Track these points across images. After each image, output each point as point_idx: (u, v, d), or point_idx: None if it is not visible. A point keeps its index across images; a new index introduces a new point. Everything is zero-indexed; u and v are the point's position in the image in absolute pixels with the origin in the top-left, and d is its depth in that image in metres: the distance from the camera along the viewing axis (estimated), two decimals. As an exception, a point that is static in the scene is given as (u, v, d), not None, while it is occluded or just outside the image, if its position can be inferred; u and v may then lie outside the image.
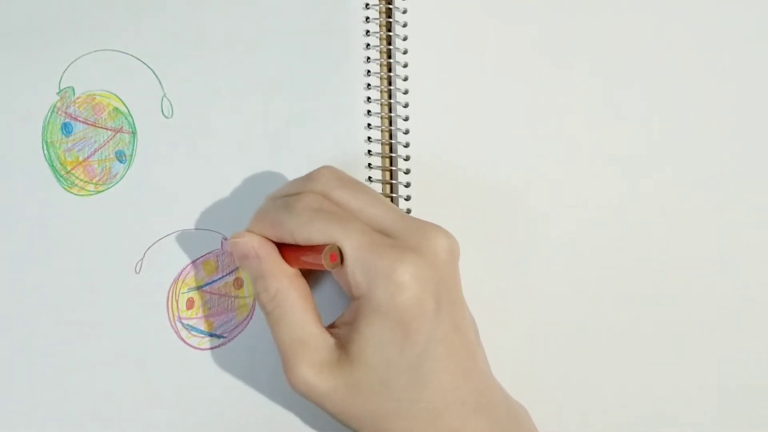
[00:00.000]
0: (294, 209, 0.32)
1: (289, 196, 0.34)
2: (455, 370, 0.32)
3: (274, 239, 0.34)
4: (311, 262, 0.32)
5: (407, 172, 0.41)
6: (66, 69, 0.41)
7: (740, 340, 0.41)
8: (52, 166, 0.40)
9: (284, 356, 0.32)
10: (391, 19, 0.42)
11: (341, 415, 0.32)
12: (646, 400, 0.40)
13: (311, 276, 0.37)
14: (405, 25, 0.42)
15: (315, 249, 0.32)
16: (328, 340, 0.32)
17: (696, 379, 0.40)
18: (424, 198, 0.41)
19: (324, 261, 0.31)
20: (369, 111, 0.41)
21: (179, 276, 0.39)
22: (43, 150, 0.40)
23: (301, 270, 0.34)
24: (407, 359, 0.31)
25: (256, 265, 0.33)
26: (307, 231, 0.32)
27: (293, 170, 0.40)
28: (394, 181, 0.41)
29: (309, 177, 0.34)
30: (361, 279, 0.31)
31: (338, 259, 0.31)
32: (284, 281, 0.33)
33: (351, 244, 0.31)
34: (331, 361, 0.32)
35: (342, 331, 0.32)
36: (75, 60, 0.41)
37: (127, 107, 0.41)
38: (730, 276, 0.41)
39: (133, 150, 0.40)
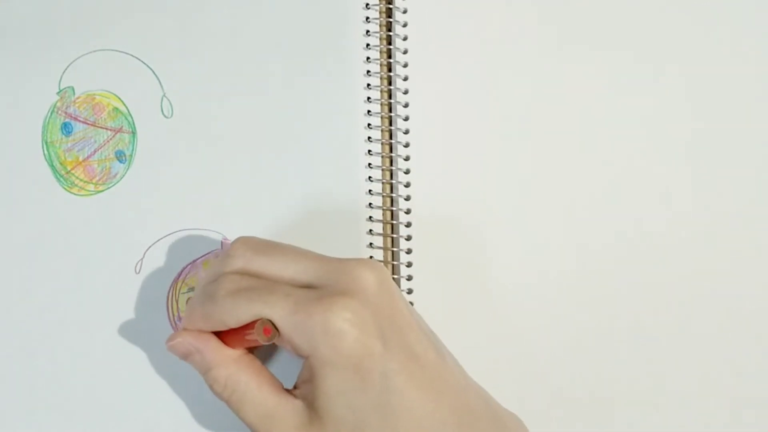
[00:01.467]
0: (216, 298, 0.32)
1: (209, 283, 0.34)
2: (424, 396, 0.31)
3: (210, 330, 0.34)
4: (252, 340, 0.32)
5: (407, 172, 0.41)
6: (66, 69, 0.41)
7: (741, 343, 0.41)
8: (52, 166, 0.40)
9: None
10: (391, 19, 0.42)
11: None
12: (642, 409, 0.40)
13: (266, 347, 0.37)
14: (405, 25, 0.42)
15: (250, 326, 0.32)
16: (294, 405, 0.32)
17: (698, 386, 0.40)
18: (424, 198, 0.41)
19: (259, 337, 0.31)
20: (369, 111, 0.41)
21: (179, 276, 0.39)
22: (43, 150, 0.40)
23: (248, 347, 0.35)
24: (370, 400, 0.31)
25: (200, 359, 0.34)
26: (234, 315, 0.32)
27: (293, 170, 0.40)
28: (393, 182, 0.41)
29: (225, 255, 0.34)
30: (300, 342, 0.31)
31: (272, 332, 0.31)
32: (231, 366, 0.33)
33: (278, 314, 0.31)
34: (303, 423, 0.32)
35: (304, 390, 0.32)
36: (75, 60, 0.41)
37: (126, 107, 0.41)
38: (726, 280, 0.42)
39: (132, 150, 0.40)
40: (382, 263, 0.38)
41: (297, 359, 0.33)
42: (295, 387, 0.34)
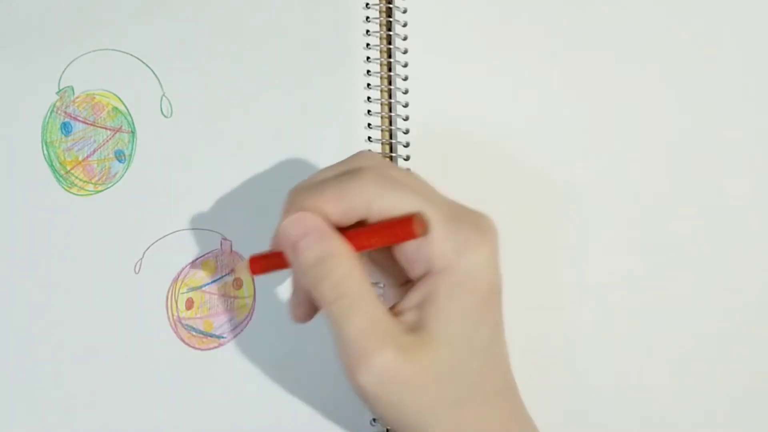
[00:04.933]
0: (364, 178, 0.29)
1: (342, 174, 0.30)
2: (505, 356, 0.31)
3: (337, 216, 0.29)
4: (384, 238, 0.29)
5: (407, 172, 0.41)
6: (65, 69, 0.41)
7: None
8: (51, 165, 0.40)
9: (360, 345, 0.28)
10: (391, 19, 0.42)
11: (412, 408, 0.29)
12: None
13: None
14: (405, 25, 0.42)
15: (392, 222, 0.29)
16: (403, 324, 0.29)
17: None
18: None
19: (416, 228, 0.28)
20: (369, 111, 0.41)
21: (179, 276, 0.39)
22: (43, 150, 0.40)
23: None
24: (481, 339, 0.29)
25: (318, 245, 0.29)
26: (387, 198, 0.29)
27: (293, 170, 0.40)
28: (393, 181, 0.41)
29: (354, 158, 0.31)
30: (448, 249, 0.29)
31: (425, 227, 0.29)
32: (353, 261, 0.29)
33: (438, 214, 0.29)
34: (413, 342, 0.29)
35: (411, 315, 0.30)
36: (74, 59, 0.41)
37: (126, 107, 0.41)
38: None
39: (132, 149, 0.40)
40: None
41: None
42: (395, 313, 0.30)
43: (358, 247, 0.30)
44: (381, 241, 0.30)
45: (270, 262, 0.32)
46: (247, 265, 0.31)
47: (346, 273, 0.29)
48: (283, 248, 0.30)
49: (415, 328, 0.29)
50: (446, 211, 0.29)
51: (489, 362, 0.30)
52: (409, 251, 0.30)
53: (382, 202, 0.29)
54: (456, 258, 0.29)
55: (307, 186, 0.31)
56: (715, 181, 0.42)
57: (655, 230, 0.42)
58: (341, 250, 0.29)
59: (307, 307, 0.32)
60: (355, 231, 0.30)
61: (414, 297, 0.30)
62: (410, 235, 0.29)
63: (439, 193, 0.31)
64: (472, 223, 0.30)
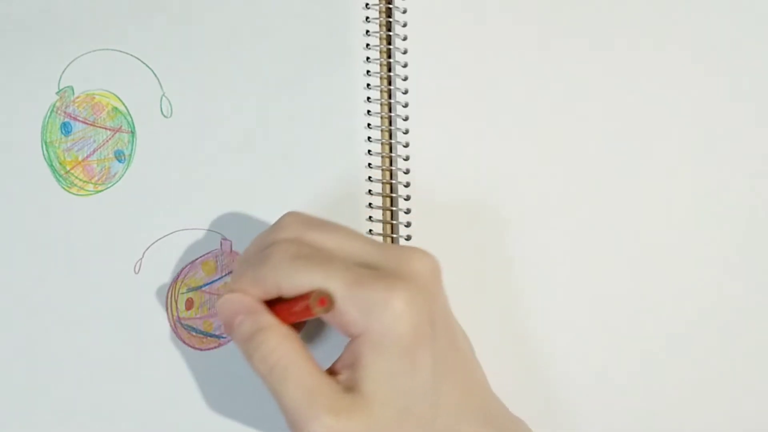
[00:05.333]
0: (271, 261, 0.31)
1: (262, 250, 0.32)
2: (461, 386, 0.32)
3: (259, 297, 0.32)
4: (301, 312, 0.31)
5: (407, 172, 0.41)
6: (65, 68, 0.41)
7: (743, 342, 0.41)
8: (51, 165, 0.40)
9: (297, 413, 0.30)
10: (391, 19, 0.42)
11: None
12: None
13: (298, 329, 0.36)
14: (405, 25, 0.42)
15: (302, 298, 0.31)
16: (337, 386, 0.31)
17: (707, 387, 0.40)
18: (424, 198, 0.41)
19: (313, 308, 0.30)
20: (369, 111, 0.41)
21: (178, 276, 0.39)
22: (43, 150, 0.40)
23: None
24: (419, 385, 0.31)
25: (248, 323, 0.32)
26: (291, 280, 0.31)
27: (292, 170, 0.40)
28: (393, 182, 0.41)
29: (276, 227, 0.33)
30: (356, 317, 0.30)
31: (328, 303, 0.30)
32: (280, 333, 0.31)
33: (339, 284, 0.30)
34: (348, 405, 0.30)
35: (345, 375, 0.31)
36: (74, 59, 0.41)
37: (126, 107, 0.41)
38: (736, 278, 0.42)
39: (132, 150, 0.40)
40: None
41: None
42: (332, 372, 0.32)
43: (284, 321, 0.32)
44: (295, 317, 0.32)
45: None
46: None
47: (275, 346, 0.31)
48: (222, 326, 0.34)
49: (350, 388, 0.31)
50: (350, 278, 0.30)
51: (437, 400, 0.31)
52: (328, 319, 0.31)
53: (290, 283, 0.31)
54: (365, 322, 0.30)
55: (235, 268, 0.34)
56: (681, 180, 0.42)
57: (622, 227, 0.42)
58: (269, 324, 0.31)
59: None
60: (279, 305, 0.32)
61: (346, 356, 0.32)
62: (310, 314, 0.30)
63: (354, 250, 0.32)
64: (381, 278, 0.30)
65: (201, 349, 0.39)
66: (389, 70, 0.42)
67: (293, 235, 0.32)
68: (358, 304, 0.30)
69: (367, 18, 0.42)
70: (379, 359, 0.30)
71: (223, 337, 0.39)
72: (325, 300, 0.30)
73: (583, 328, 0.40)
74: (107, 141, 0.40)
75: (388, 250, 0.32)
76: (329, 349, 0.36)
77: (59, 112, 0.40)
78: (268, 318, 0.32)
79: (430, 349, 0.31)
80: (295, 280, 0.31)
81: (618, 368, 0.40)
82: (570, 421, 0.40)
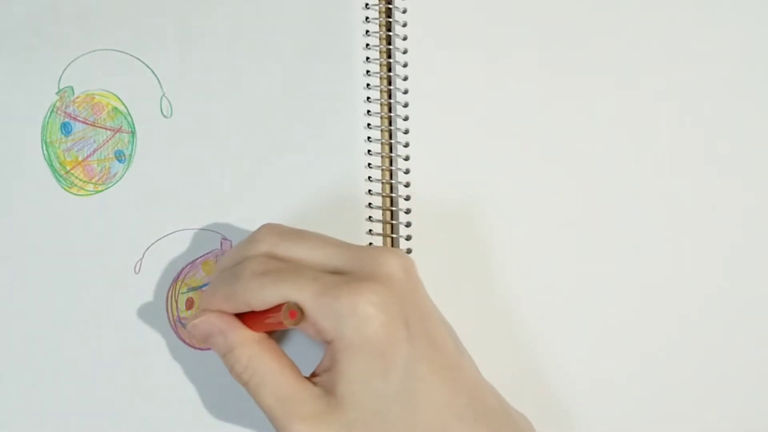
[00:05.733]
0: (241, 278, 0.32)
1: (235, 265, 0.34)
2: (443, 385, 0.32)
3: (232, 312, 0.34)
4: (275, 323, 0.32)
5: (407, 171, 0.41)
6: (65, 68, 0.41)
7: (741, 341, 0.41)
8: (51, 165, 0.40)
9: (273, 419, 0.32)
10: (391, 19, 0.42)
11: None
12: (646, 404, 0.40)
13: (279, 333, 0.37)
14: (405, 25, 0.42)
15: (275, 310, 0.32)
16: (313, 391, 0.32)
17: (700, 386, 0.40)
18: (424, 198, 0.41)
19: (284, 320, 0.31)
20: (369, 111, 0.41)
21: (178, 276, 0.39)
22: (43, 150, 0.40)
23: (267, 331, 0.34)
24: (393, 386, 0.31)
25: (222, 340, 0.33)
26: (260, 296, 0.32)
27: (292, 170, 0.40)
28: (393, 182, 0.41)
29: (250, 240, 0.34)
30: (326, 325, 0.31)
31: (298, 315, 0.31)
32: (254, 347, 0.33)
33: (305, 296, 0.31)
34: (321, 410, 0.31)
35: (324, 378, 0.32)
36: (74, 59, 0.41)
37: (126, 107, 0.41)
38: (731, 278, 0.42)
39: (132, 150, 0.40)
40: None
41: (313, 347, 0.33)
42: (313, 375, 0.33)
43: (258, 330, 0.33)
44: (269, 327, 0.33)
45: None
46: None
47: (248, 360, 0.32)
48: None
49: (328, 391, 0.32)
50: (317, 288, 0.31)
51: (413, 402, 0.31)
52: (302, 329, 0.32)
53: (259, 300, 0.32)
54: (335, 331, 0.31)
55: (211, 283, 0.35)
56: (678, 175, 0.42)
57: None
58: (241, 340, 0.33)
59: None
60: (252, 316, 0.33)
61: (325, 360, 0.33)
62: (282, 326, 0.31)
63: (324, 258, 0.33)
64: (348, 283, 0.31)
65: (201, 349, 0.39)
66: (389, 70, 0.42)
67: (266, 249, 0.33)
68: (326, 312, 0.31)
69: (367, 18, 0.42)
70: (353, 362, 0.31)
71: (223, 337, 0.39)
72: (295, 312, 0.31)
73: (584, 328, 0.40)
74: (107, 141, 0.40)
75: (358, 253, 0.33)
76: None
77: (59, 112, 0.40)
78: (240, 334, 0.33)
79: (406, 350, 0.31)
80: (264, 296, 0.32)
81: (618, 368, 0.40)
82: (569, 421, 0.40)
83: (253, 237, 0.34)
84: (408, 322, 0.31)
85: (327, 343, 0.32)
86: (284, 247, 0.33)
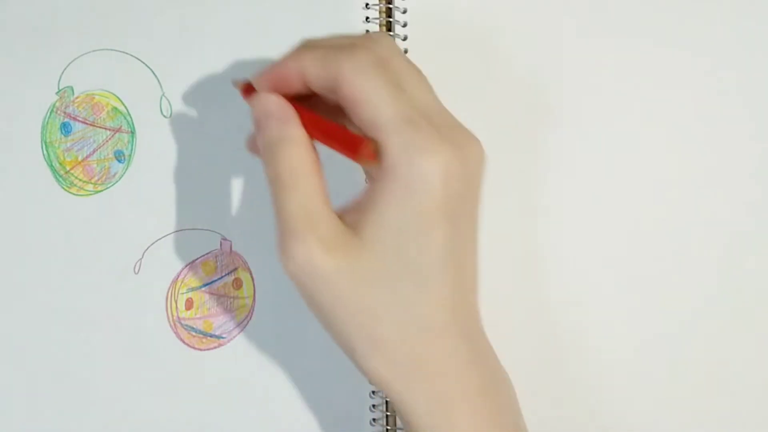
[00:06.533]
0: (356, 56, 0.29)
1: (341, 43, 0.30)
2: (453, 289, 0.29)
3: (316, 77, 0.30)
4: (343, 148, 0.29)
5: (407, 172, 0.41)
6: (65, 69, 0.41)
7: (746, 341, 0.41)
8: (51, 165, 0.40)
9: (288, 227, 0.29)
10: (391, 19, 0.42)
11: (332, 305, 0.29)
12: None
13: None
14: (405, 25, 0.42)
15: (351, 136, 0.29)
16: (337, 221, 0.29)
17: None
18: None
19: (361, 154, 0.28)
20: (369, 111, 0.41)
21: (178, 276, 0.39)
22: (42, 150, 0.40)
23: None
24: (419, 257, 0.29)
25: (276, 125, 0.30)
26: (363, 81, 0.29)
27: (293, 170, 0.40)
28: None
29: (369, 37, 0.31)
30: (397, 151, 0.28)
31: (377, 158, 0.28)
32: (303, 148, 0.30)
33: (399, 111, 0.28)
34: (339, 242, 0.29)
35: (353, 216, 0.30)
36: (74, 59, 0.41)
37: (125, 107, 0.41)
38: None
39: (131, 150, 0.40)
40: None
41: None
42: (341, 210, 0.31)
43: (313, 136, 0.31)
44: (333, 146, 0.30)
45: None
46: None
47: (292, 156, 0.30)
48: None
49: (353, 228, 0.29)
50: (411, 116, 0.28)
51: (424, 285, 0.29)
52: (363, 162, 0.30)
53: (358, 83, 0.29)
54: (404, 160, 0.28)
55: (311, 42, 0.31)
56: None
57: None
58: (295, 135, 0.30)
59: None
60: (316, 119, 0.30)
61: (361, 199, 0.30)
62: (351, 155, 0.29)
63: (424, 101, 0.30)
64: (438, 136, 0.28)
65: (201, 349, 0.39)
66: (389, 70, 0.42)
67: (383, 53, 0.30)
68: (404, 140, 0.28)
69: (367, 18, 0.42)
70: (395, 209, 0.28)
71: (222, 337, 0.39)
72: (376, 155, 0.28)
73: (594, 325, 0.40)
74: (107, 141, 0.40)
75: (452, 120, 0.30)
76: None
77: (59, 112, 0.40)
78: (296, 130, 0.30)
79: (446, 231, 0.29)
80: (365, 83, 0.29)
81: (619, 368, 0.40)
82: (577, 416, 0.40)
83: (372, 37, 0.31)
84: (459, 209, 0.29)
85: (375, 178, 0.29)
86: (399, 64, 0.30)
